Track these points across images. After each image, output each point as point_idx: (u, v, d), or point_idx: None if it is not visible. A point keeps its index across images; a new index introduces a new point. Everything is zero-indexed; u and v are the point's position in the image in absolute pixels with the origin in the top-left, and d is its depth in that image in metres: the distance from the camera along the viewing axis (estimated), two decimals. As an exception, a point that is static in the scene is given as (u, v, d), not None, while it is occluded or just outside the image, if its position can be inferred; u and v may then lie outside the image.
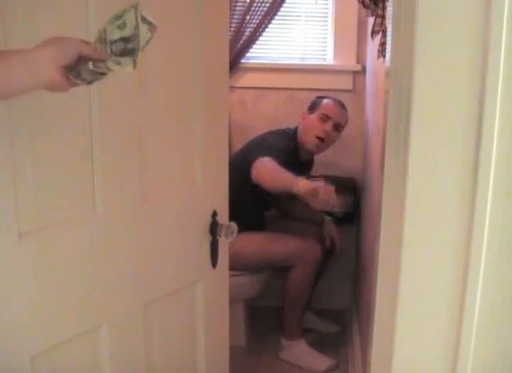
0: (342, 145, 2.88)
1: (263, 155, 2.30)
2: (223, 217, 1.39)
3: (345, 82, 2.91)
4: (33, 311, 0.98)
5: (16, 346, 0.96)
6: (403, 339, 0.76)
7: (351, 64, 2.88)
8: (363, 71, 2.86)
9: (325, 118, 2.48)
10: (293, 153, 2.49)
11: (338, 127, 2.52)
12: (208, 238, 1.35)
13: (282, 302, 2.49)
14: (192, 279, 1.35)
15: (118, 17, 0.79)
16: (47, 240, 0.99)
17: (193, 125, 1.28)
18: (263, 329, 2.71)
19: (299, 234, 2.48)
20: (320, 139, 2.48)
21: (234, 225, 1.35)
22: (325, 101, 2.54)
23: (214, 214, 1.35)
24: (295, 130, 2.55)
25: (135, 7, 0.78)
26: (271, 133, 2.55)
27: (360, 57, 2.88)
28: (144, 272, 1.20)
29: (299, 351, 2.45)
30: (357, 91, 2.91)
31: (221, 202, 1.40)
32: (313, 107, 2.55)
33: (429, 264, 0.72)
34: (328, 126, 2.47)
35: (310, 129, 2.50)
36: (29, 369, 0.98)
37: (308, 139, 2.49)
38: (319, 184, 2.18)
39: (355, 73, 2.89)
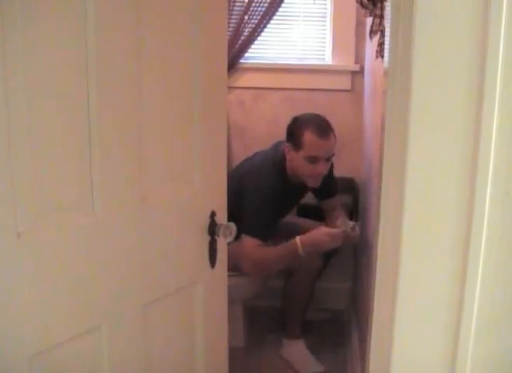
0: (341, 145, 2.88)
1: (246, 229, 2.13)
2: (222, 217, 1.39)
3: (344, 82, 2.91)
4: (31, 311, 0.98)
5: (15, 345, 0.97)
6: (401, 338, 0.76)
7: (349, 64, 2.89)
8: (362, 71, 2.87)
9: (314, 160, 2.25)
10: (283, 187, 2.32)
11: (329, 159, 2.31)
12: (206, 238, 1.35)
13: (283, 302, 2.49)
14: (191, 279, 1.35)
15: None
16: (46, 240, 0.99)
17: (191, 125, 1.28)
18: (262, 330, 2.71)
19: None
20: (315, 177, 2.31)
21: (233, 225, 1.35)
22: (307, 136, 2.22)
23: (212, 215, 1.35)
24: (283, 159, 2.33)
25: None
26: (253, 170, 2.33)
27: (359, 57, 2.88)
28: (143, 272, 1.20)
29: (295, 351, 2.46)
30: (355, 91, 2.91)
31: (219, 202, 1.40)
32: (295, 143, 2.27)
33: (428, 263, 0.72)
34: (320, 166, 2.26)
35: (299, 170, 2.29)
36: (28, 369, 0.98)
37: (301, 177, 2.31)
38: (319, 234, 2.19)
39: (353, 73, 2.90)
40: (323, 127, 2.26)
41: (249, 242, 2.22)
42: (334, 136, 2.29)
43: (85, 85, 1.01)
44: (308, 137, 2.23)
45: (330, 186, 2.57)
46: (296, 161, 2.28)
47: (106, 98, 1.05)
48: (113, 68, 1.06)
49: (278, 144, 2.45)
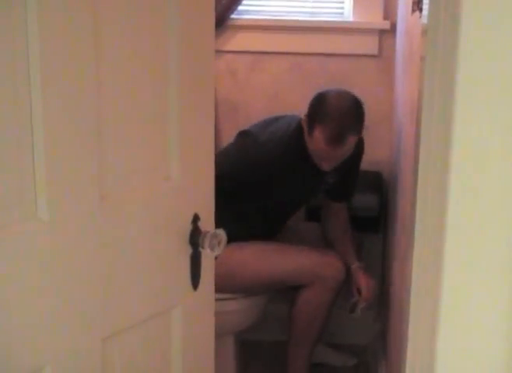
0: (364, 129, 2.86)
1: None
2: (208, 222, 1.39)
3: (369, 45, 2.91)
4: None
5: None
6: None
7: (376, 20, 2.89)
8: (393, 30, 2.86)
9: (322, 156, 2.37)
10: (299, 159, 2.40)
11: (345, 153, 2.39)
12: (187, 250, 1.35)
13: (286, 334, 2.48)
14: (166, 304, 1.35)
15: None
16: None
17: (168, 102, 1.28)
18: (259, 371, 2.71)
19: (318, 244, 2.49)
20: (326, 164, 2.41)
21: (222, 233, 1.35)
22: (316, 133, 2.29)
23: (195, 219, 1.35)
24: (301, 128, 2.40)
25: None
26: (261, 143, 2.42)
27: (389, 12, 2.88)
28: (102, 296, 1.20)
29: None
30: (384, 56, 2.91)
31: (205, 202, 1.40)
32: (309, 125, 2.35)
33: (480, 281, 0.72)
34: (327, 164, 2.39)
35: (310, 150, 2.38)
36: None
37: (314, 159, 2.40)
38: None
39: (381, 32, 2.90)
40: (340, 129, 2.29)
41: None
42: (359, 133, 2.37)
43: (25, 49, 1.01)
44: (317, 134, 2.31)
45: (347, 184, 2.59)
46: (308, 142, 2.38)
47: (51, 69, 1.05)
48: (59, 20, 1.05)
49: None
